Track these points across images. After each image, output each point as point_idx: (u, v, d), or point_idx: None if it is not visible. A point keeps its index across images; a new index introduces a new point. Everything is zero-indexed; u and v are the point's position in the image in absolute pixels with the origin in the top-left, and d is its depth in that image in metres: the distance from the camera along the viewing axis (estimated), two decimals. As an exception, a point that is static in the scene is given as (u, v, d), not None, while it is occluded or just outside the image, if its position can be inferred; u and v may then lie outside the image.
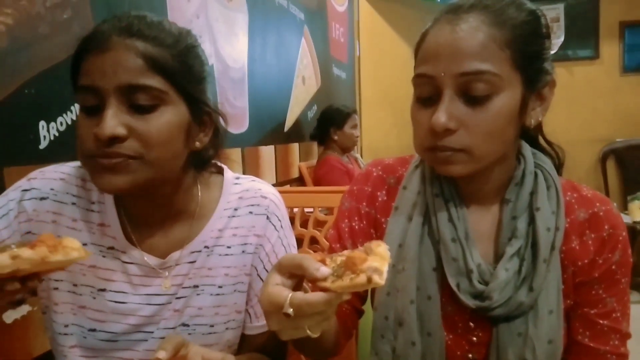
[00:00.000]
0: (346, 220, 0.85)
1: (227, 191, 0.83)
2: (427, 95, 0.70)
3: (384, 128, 4.44)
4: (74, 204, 0.77)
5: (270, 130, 2.51)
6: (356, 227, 0.84)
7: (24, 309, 1.04)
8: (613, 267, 0.74)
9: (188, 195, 0.79)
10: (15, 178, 1.03)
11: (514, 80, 0.67)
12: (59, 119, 1.16)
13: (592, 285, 0.75)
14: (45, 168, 0.80)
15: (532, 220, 0.73)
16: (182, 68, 0.70)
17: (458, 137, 0.68)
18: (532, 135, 0.80)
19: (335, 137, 2.82)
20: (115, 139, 0.66)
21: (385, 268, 0.52)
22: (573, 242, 0.75)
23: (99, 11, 1.28)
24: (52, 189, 0.77)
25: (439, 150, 0.69)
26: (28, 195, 0.76)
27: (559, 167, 0.79)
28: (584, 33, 3.98)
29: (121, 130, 0.66)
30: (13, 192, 0.76)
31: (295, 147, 2.85)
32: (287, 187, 1.82)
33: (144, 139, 0.67)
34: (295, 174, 2.83)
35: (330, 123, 2.83)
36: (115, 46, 0.66)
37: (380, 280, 0.51)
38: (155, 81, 0.68)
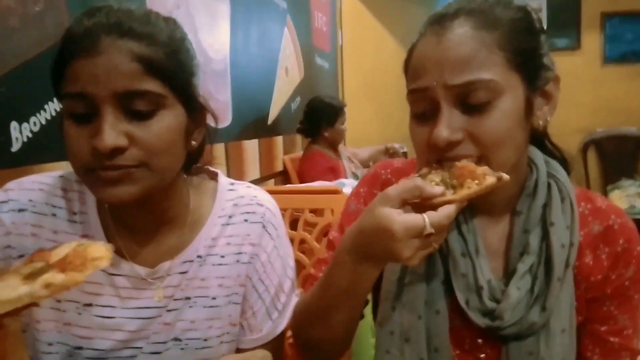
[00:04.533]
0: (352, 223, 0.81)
1: (222, 197, 0.78)
2: (423, 110, 0.66)
3: (365, 119, 4.41)
4: (54, 215, 0.72)
5: (254, 123, 2.45)
6: None
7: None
8: (626, 283, 0.71)
9: (179, 200, 0.75)
10: (-14, 184, 0.97)
11: (513, 82, 0.64)
12: (32, 119, 1.09)
13: (603, 302, 0.72)
14: (22, 178, 0.74)
15: (545, 236, 0.70)
16: (177, 67, 0.67)
17: (467, 147, 0.64)
18: (537, 138, 0.76)
19: (326, 134, 2.73)
20: (116, 151, 0.61)
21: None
22: (587, 257, 0.72)
23: (73, 2, 1.21)
24: (30, 200, 0.72)
25: (448, 160, 0.65)
26: (5, 207, 0.71)
27: (567, 172, 0.76)
28: (565, 24, 3.99)
29: (122, 141, 0.62)
30: None
31: (279, 140, 2.80)
32: (275, 187, 1.77)
33: (146, 147, 0.63)
34: (279, 167, 2.78)
35: (321, 119, 2.74)
36: (107, 48, 0.61)
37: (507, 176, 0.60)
38: (153, 85, 0.63)
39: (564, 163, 0.77)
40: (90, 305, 0.72)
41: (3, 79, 1.02)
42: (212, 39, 1.98)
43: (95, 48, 0.60)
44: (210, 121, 0.78)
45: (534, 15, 0.67)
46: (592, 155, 4.04)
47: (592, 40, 4.01)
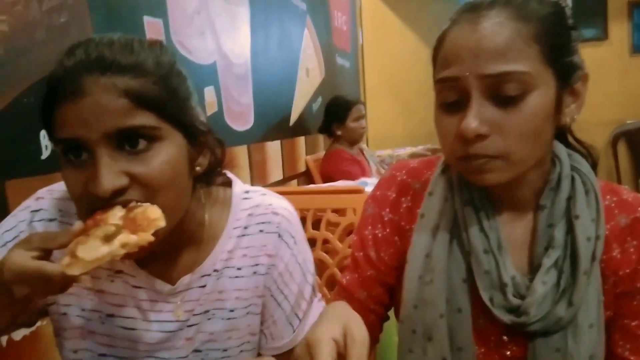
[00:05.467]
0: (369, 227, 0.81)
1: (236, 208, 0.76)
2: (452, 100, 0.65)
3: (389, 117, 4.40)
4: None
5: (276, 125, 2.47)
6: (380, 234, 0.80)
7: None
8: None
9: (194, 221, 0.74)
10: (17, 191, 1.01)
11: (546, 77, 0.63)
12: (61, 127, 1.12)
13: (633, 296, 0.71)
14: (53, 186, 0.75)
15: (570, 229, 0.69)
16: (168, 94, 0.62)
17: (492, 143, 0.63)
18: (561, 134, 0.75)
19: (339, 133, 2.69)
20: (117, 192, 0.58)
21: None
22: (614, 251, 0.70)
23: (97, 13, 1.24)
24: (60, 210, 0.73)
25: (472, 158, 0.64)
26: (37, 216, 0.72)
27: (593, 167, 0.74)
28: (592, 14, 3.90)
29: (122, 181, 0.59)
30: (22, 212, 0.73)
31: (301, 140, 2.81)
32: (297, 188, 1.78)
33: (148, 183, 0.60)
34: (302, 168, 2.80)
35: (332, 118, 2.72)
36: (91, 88, 0.57)
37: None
38: (144, 119, 0.60)
39: (589, 157, 0.75)
40: (112, 315, 0.73)
41: (31, 90, 1.05)
42: (232, 43, 2.01)
43: (79, 90, 0.57)
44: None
45: (568, 11, 0.67)
46: (622, 147, 3.94)
47: (619, 30, 3.91)
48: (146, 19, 1.46)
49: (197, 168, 0.69)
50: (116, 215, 0.57)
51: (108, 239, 0.55)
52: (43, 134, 1.08)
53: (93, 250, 0.54)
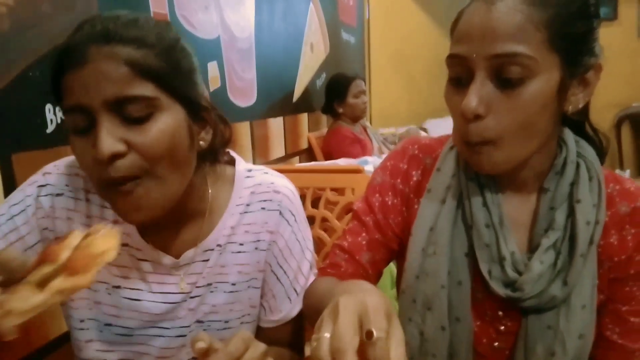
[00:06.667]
0: (377, 195, 0.83)
1: (239, 186, 0.80)
2: (458, 75, 0.67)
3: (394, 94, 4.37)
4: (88, 200, 0.76)
5: (279, 101, 2.47)
6: (389, 202, 0.83)
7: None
8: None
9: (198, 195, 0.77)
10: (23, 164, 1.03)
11: (551, 63, 0.63)
12: (65, 102, 1.14)
13: (626, 282, 0.73)
14: (59, 162, 0.78)
15: (571, 213, 0.71)
16: (170, 67, 0.65)
17: (487, 125, 0.65)
18: (577, 121, 0.76)
19: (341, 110, 2.71)
20: (115, 157, 0.61)
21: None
22: (612, 237, 0.73)
23: (101, -14, 1.24)
24: (67, 185, 0.75)
25: (470, 144, 0.67)
26: (44, 191, 0.74)
27: (602, 156, 0.76)
28: (602, -7, 3.84)
29: (120, 147, 0.61)
30: (29, 187, 0.75)
31: (304, 117, 2.82)
32: (297, 166, 1.79)
33: (145, 151, 0.63)
34: (304, 144, 2.81)
35: (332, 96, 2.74)
36: (94, 57, 0.60)
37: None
38: (144, 89, 0.62)
39: (600, 146, 0.77)
40: (119, 287, 0.76)
41: (37, 64, 1.06)
42: (237, 17, 2.00)
43: (84, 58, 0.60)
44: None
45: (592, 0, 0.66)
46: (626, 131, 3.93)
47: (629, 11, 3.86)
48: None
49: (201, 143, 0.72)
50: (71, 244, 0.55)
51: (43, 284, 0.52)
52: (48, 107, 1.10)
53: (27, 299, 0.50)
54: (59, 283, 0.52)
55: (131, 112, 0.62)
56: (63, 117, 0.66)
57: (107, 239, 0.56)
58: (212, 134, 0.74)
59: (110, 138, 0.61)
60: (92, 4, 1.22)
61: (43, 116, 1.09)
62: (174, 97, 0.66)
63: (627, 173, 3.72)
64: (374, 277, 0.85)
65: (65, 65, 0.61)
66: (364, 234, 0.83)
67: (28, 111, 1.06)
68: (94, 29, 0.62)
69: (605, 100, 3.63)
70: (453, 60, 0.67)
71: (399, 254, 0.84)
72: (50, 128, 1.10)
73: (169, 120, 0.65)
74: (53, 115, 1.11)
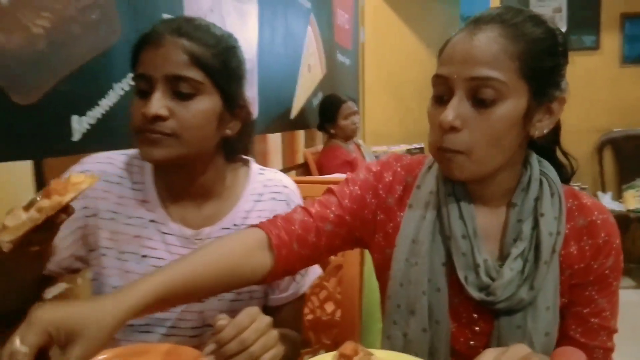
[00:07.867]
0: (355, 187, 0.87)
1: (253, 179, 0.96)
2: (441, 94, 0.76)
3: (386, 115, 4.50)
4: (119, 183, 0.91)
5: (278, 117, 2.59)
6: (367, 199, 0.87)
7: (62, 286, 1.15)
8: (606, 271, 0.80)
9: (217, 176, 0.92)
10: (52, 168, 1.14)
11: (520, 90, 0.72)
12: (89, 113, 1.25)
13: (586, 287, 0.80)
14: (95, 154, 0.94)
15: (536, 225, 0.78)
16: (220, 65, 0.84)
17: (461, 137, 0.73)
18: (548, 146, 0.85)
19: (333, 132, 2.88)
20: (158, 118, 0.80)
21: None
22: (571, 247, 0.80)
23: (123, 11, 1.36)
24: (102, 171, 0.90)
25: (443, 151, 0.75)
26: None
27: (570, 176, 0.85)
28: (585, 24, 4.01)
29: (164, 111, 0.80)
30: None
31: (300, 134, 2.94)
32: (295, 178, 1.91)
33: (181, 121, 0.81)
34: (300, 159, 2.93)
35: (324, 118, 2.90)
36: (166, 43, 0.81)
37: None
38: (195, 74, 0.82)
39: (570, 168, 0.86)
40: (146, 257, 0.89)
41: (66, 79, 1.18)
42: (242, 41, 2.09)
43: (159, 42, 0.82)
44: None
45: (560, 39, 0.75)
46: (608, 154, 4.07)
47: (611, 40, 4.02)
48: (165, 16, 1.59)
49: (228, 131, 0.89)
50: (59, 183, 0.69)
51: (29, 207, 0.66)
52: (75, 118, 1.21)
53: (16, 218, 0.65)
54: (40, 203, 0.66)
55: (181, 89, 0.81)
56: (133, 83, 0.87)
57: (84, 176, 0.70)
58: (239, 127, 0.91)
59: (159, 103, 0.80)
60: (115, 26, 1.34)
61: (69, 126, 1.20)
62: (216, 87, 0.85)
63: (608, 195, 3.89)
64: (325, 251, 0.86)
65: (145, 44, 0.83)
66: (334, 208, 0.85)
67: (58, 121, 1.18)
68: (172, 24, 0.84)
69: (587, 125, 3.84)
70: (437, 79, 0.77)
71: (382, 266, 0.89)
72: (75, 137, 1.22)
73: (206, 103, 0.84)
74: (78, 125, 1.22)
